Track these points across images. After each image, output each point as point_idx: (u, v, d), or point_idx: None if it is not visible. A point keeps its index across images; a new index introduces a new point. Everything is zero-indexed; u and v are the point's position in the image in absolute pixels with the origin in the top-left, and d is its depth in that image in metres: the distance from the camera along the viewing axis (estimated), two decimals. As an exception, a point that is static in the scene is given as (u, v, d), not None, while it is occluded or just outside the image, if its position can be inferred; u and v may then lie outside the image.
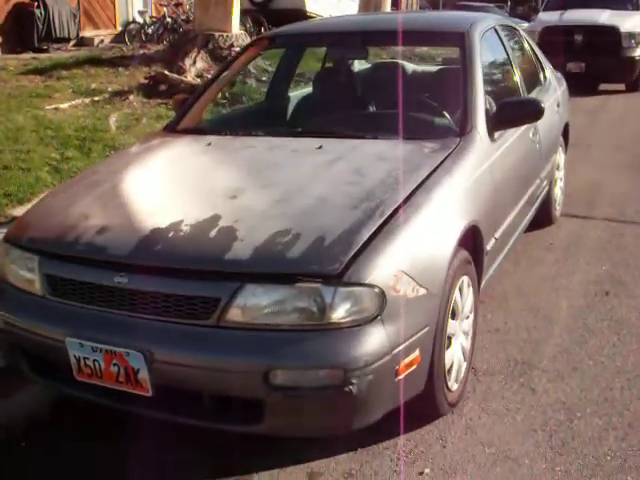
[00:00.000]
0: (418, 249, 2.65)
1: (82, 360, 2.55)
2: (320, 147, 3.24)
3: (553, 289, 4.32)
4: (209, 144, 3.51)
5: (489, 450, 2.85)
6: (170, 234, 2.60)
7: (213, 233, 2.57)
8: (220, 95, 6.25)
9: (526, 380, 3.33)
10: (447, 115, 3.66)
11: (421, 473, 2.73)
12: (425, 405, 2.83)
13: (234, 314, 2.40)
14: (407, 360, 2.53)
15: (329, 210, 2.68)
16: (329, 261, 2.40)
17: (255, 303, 2.40)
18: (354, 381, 2.34)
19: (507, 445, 2.87)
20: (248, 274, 2.42)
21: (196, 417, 2.55)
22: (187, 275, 2.47)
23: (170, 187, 3.13)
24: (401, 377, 2.53)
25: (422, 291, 2.59)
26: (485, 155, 3.39)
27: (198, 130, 3.88)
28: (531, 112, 3.60)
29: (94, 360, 2.53)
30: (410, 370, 2.56)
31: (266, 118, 4.13)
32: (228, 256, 2.46)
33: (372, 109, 4.14)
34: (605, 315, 3.97)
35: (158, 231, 2.63)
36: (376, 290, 2.40)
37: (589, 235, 5.32)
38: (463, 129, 3.37)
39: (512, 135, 3.80)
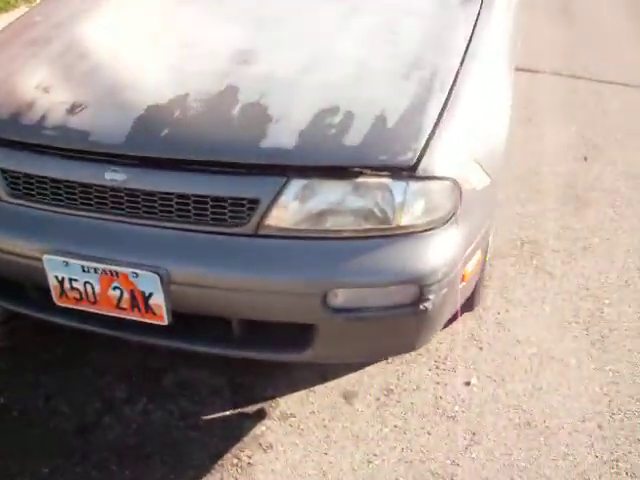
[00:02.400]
0: (481, 129, 2.15)
1: (68, 282, 1.94)
2: None
3: (529, 155, 3.98)
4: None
5: (530, 350, 2.57)
6: (176, 113, 1.95)
7: (235, 112, 1.94)
8: None
9: (540, 263, 3.04)
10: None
11: (468, 383, 2.41)
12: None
13: (277, 219, 1.85)
14: (472, 264, 2.11)
15: (376, 79, 2.09)
16: (400, 149, 1.85)
17: (305, 205, 1.85)
18: (430, 297, 1.89)
19: (546, 343, 2.60)
20: (294, 167, 1.84)
21: (222, 346, 2.04)
22: (211, 170, 1.87)
23: (151, 46, 2.36)
24: (465, 283, 2.11)
25: (487, 180, 2.12)
26: None
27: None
28: None
29: (85, 282, 1.92)
30: (471, 273, 2.16)
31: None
32: (265, 143, 1.85)
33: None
34: (593, 185, 3.69)
35: (158, 110, 1.97)
36: (450, 183, 1.91)
37: (543, 91, 4.96)
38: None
39: None
